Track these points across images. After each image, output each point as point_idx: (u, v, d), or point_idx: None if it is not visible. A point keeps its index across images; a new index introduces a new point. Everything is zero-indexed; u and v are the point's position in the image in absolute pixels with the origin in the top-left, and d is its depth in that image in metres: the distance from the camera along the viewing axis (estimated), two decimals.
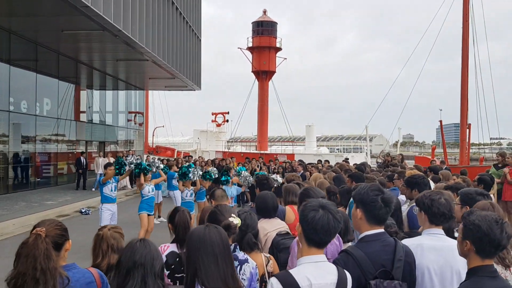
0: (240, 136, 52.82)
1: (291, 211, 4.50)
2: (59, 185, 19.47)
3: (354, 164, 11.33)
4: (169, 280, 3.08)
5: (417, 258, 2.66)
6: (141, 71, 21.41)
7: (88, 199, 15.26)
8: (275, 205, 3.93)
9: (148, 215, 8.71)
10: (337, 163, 12.60)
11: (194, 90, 27.15)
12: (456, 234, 2.68)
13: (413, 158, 27.24)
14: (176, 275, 3.09)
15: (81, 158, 18.71)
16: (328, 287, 2.15)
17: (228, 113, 40.62)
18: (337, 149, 36.98)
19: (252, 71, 37.40)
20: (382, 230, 2.58)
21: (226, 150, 37.06)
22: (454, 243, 2.61)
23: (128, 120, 27.63)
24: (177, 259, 3.13)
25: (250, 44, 37.08)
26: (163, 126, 39.97)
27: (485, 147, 29.58)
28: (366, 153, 29.47)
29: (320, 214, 2.25)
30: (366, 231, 2.55)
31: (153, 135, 42.38)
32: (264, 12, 37.91)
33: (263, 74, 36.81)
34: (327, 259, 2.32)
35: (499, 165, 8.57)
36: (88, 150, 21.47)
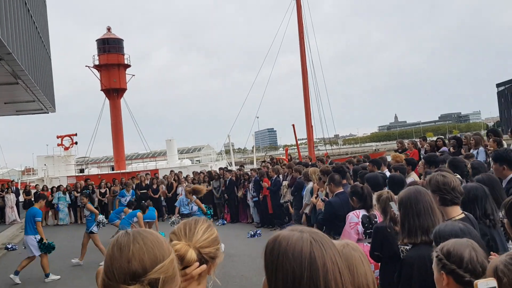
0: (94, 158, 49.67)
1: None
2: None
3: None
4: (364, 236, 4.08)
5: None
6: None
7: None
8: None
9: None
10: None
11: (49, 113, 25.27)
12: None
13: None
14: (367, 231, 4.10)
15: None
16: None
17: (75, 134, 38.08)
18: (197, 160, 38.20)
19: (102, 90, 36.08)
20: None
21: (80, 174, 34.81)
22: None
23: None
24: (367, 219, 4.13)
25: (97, 62, 35.73)
26: None
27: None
28: (229, 161, 31.48)
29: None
30: None
31: None
32: (109, 29, 36.93)
33: (114, 92, 35.89)
34: None
35: (399, 151, 11.18)
36: None
